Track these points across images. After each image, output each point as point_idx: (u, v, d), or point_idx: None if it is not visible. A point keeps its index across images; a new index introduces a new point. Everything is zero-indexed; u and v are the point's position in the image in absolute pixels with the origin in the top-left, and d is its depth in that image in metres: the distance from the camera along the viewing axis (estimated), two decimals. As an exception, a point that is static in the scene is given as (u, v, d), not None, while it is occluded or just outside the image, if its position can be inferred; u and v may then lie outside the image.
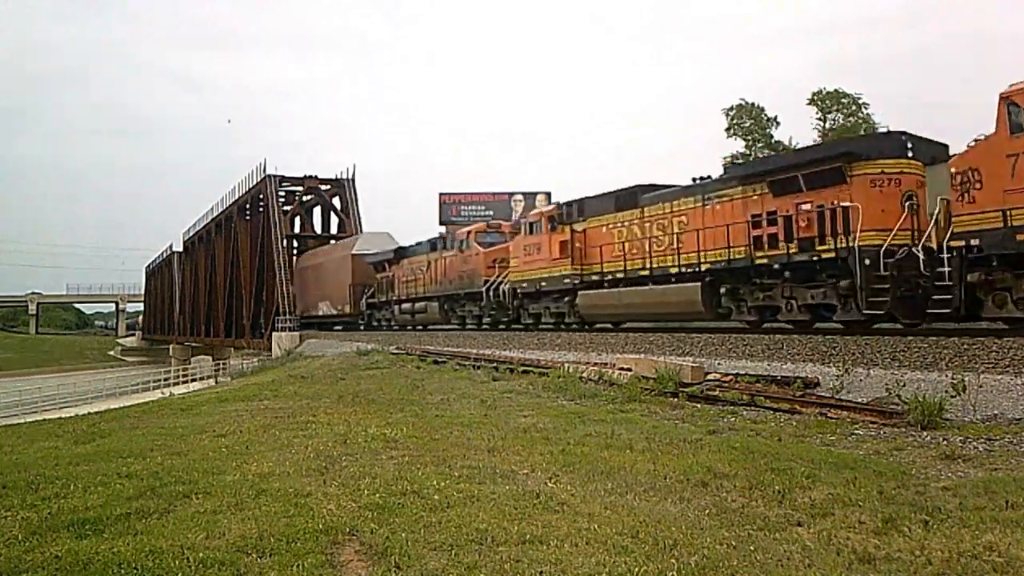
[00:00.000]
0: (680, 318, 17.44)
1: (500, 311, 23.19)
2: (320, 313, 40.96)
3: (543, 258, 20.32)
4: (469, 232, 25.80)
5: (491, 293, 23.02)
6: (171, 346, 77.21)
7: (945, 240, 10.79)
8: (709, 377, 12.38)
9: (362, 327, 35.45)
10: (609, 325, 20.05)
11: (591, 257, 18.81)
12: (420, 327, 29.93)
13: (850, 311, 12.72)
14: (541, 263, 20.43)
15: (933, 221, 11.45)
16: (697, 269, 15.40)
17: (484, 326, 24.86)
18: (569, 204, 19.94)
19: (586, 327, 19.63)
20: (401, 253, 31.42)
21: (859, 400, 9.89)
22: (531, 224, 21.41)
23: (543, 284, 20.39)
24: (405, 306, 29.99)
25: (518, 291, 21.75)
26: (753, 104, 41.88)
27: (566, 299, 19.71)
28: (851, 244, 12.16)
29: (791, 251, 13.33)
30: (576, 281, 19.05)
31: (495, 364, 16.78)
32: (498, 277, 22.96)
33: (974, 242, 10.32)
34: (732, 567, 4.17)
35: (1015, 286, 10.26)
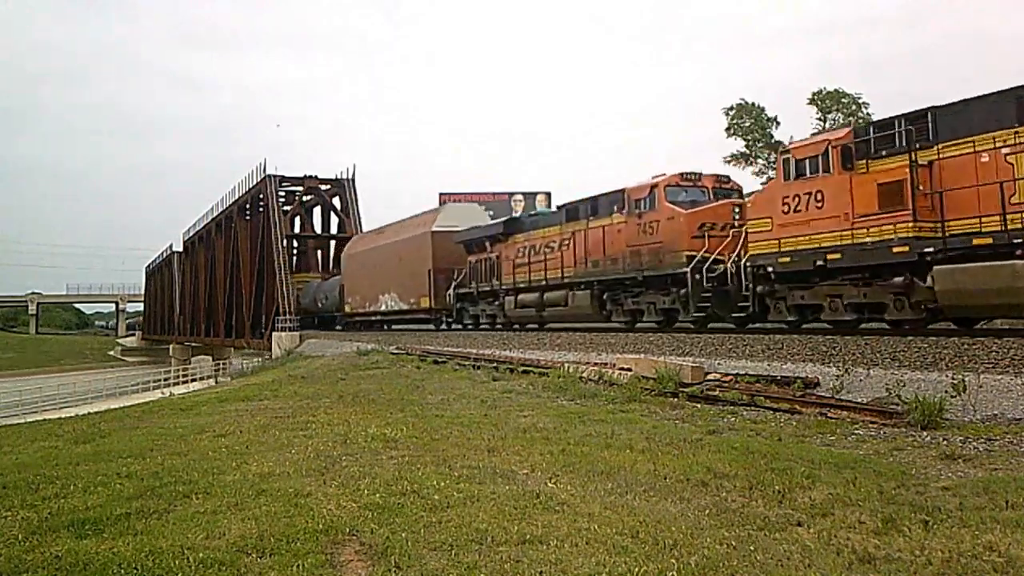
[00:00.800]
0: None
1: (722, 303, 15.29)
2: (382, 308, 33.06)
3: (830, 215, 12.71)
4: (654, 187, 17.13)
5: (703, 275, 15.33)
6: (171, 346, 77.29)
7: None
8: (709, 377, 12.38)
9: (445, 327, 28.48)
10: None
11: (960, 206, 11.10)
12: (546, 324, 22.10)
13: None
14: (825, 223, 12.80)
15: None
16: None
17: (682, 325, 17.20)
18: (882, 126, 12.49)
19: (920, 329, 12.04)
20: (513, 226, 23.68)
21: (859, 400, 9.89)
22: (797, 163, 13.42)
23: (830, 258, 12.70)
24: (525, 297, 21.99)
25: (771, 271, 13.87)
26: (753, 104, 41.94)
27: (897, 279, 12.08)
28: None
29: None
30: (926, 248, 11.35)
31: (495, 364, 16.78)
32: (708, 251, 15.50)
33: None
34: (732, 567, 4.17)
35: None
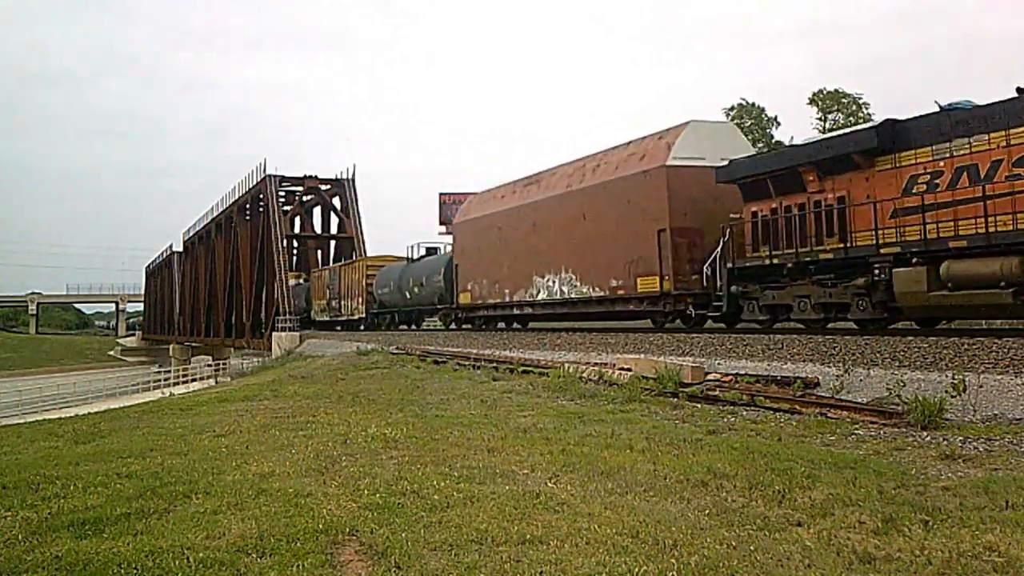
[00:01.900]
0: None
1: None
2: (539, 297, 21.06)
3: None
4: None
5: None
6: (171, 346, 77.39)
7: None
8: (709, 377, 12.38)
9: (682, 325, 17.58)
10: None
11: None
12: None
13: None
14: None
15: None
16: None
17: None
18: None
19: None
20: (894, 136, 12.41)
21: (859, 400, 9.89)
22: None
23: None
24: (974, 268, 11.03)
25: None
26: (753, 104, 42.07)
27: None
28: None
29: None
30: None
31: (495, 364, 16.77)
32: None
33: None
34: (732, 567, 4.17)
35: None
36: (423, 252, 32.53)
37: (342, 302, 39.02)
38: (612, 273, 18.11)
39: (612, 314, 19.36)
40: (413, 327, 32.00)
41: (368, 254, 45.31)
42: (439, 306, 28.06)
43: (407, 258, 33.48)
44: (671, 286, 16.43)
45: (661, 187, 16.61)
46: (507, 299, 22.72)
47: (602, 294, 18.52)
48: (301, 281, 49.74)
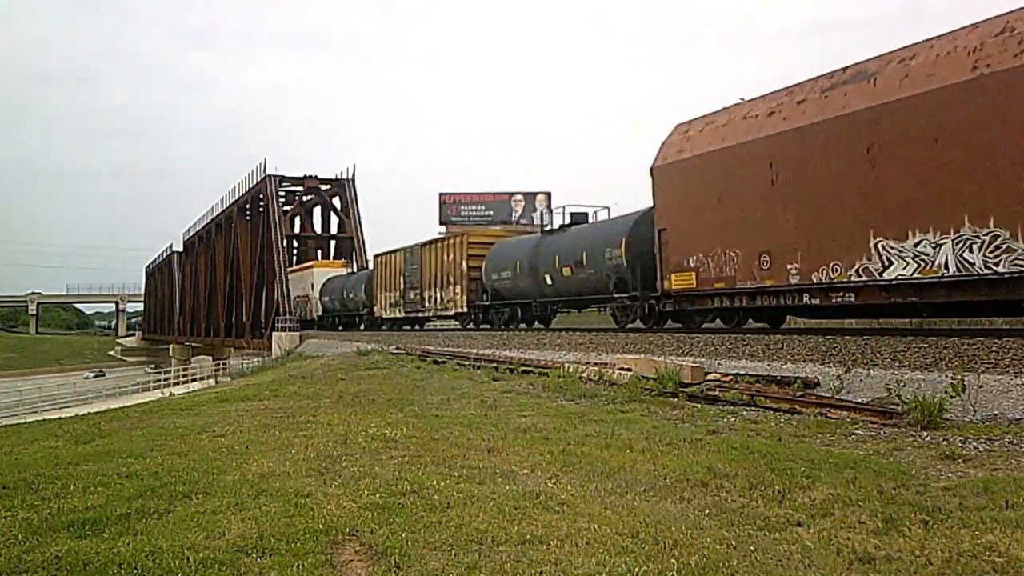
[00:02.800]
0: None
1: None
2: (883, 276, 11.64)
3: None
4: None
5: None
6: (171, 346, 77.52)
7: None
8: (709, 377, 12.38)
9: None
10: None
11: None
12: None
13: None
14: None
15: None
16: None
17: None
18: None
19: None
20: None
21: (859, 400, 9.88)
22: None
23: None
24: None
25: None
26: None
27: None
28: None
29: None
30: None
31: (495, 364, 16.78)
32: None
33: None
34: (732, 567, 4.17)
35: None
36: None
37: (426, 292, 29.40)
38: None
39: None
40: (539, 326, 23.61)
41: (367, 254, 43.49)
42: (616, 295, 18.15)
43: (541, 229, 23.44)
44: None
45: None
46: (791, 280, 13.35)
47: None
48: (354, 270, 43.13)
